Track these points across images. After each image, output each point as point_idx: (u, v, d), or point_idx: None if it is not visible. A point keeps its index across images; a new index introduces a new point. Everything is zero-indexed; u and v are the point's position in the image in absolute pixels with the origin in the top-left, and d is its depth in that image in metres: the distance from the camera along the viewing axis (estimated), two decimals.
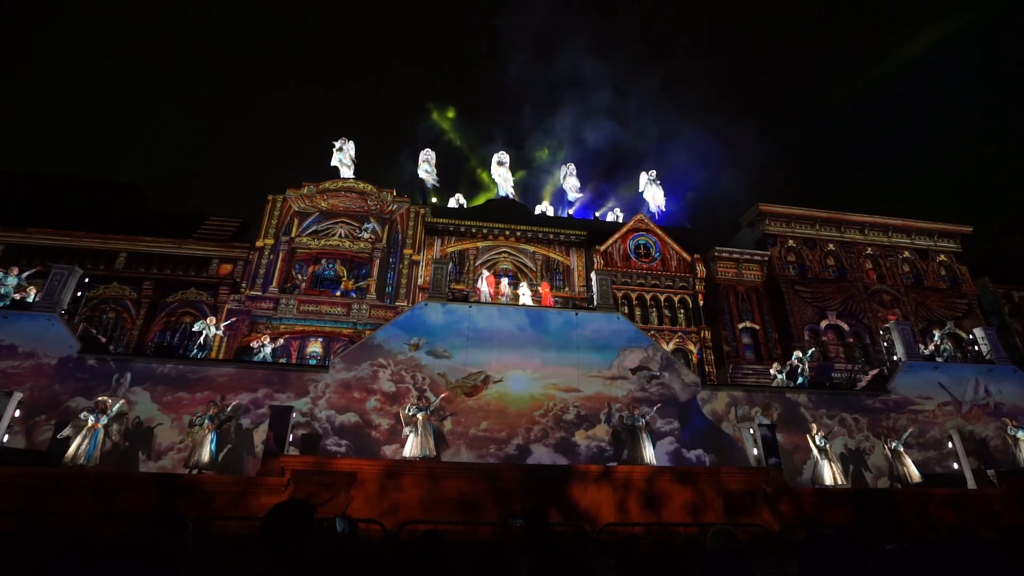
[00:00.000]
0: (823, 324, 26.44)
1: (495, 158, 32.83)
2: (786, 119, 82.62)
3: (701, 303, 26.68)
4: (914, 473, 14.16)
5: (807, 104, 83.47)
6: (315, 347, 23.29)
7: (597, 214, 33.99)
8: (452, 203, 31.66)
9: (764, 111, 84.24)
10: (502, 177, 32.11)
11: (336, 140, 29.46)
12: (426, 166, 32.23)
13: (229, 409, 13.17)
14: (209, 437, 12.36)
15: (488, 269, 25.66)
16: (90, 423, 12.04)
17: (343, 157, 29.00)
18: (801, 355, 17.96)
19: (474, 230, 27.61)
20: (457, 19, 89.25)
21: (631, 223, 28.76)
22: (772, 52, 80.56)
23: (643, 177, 33.77)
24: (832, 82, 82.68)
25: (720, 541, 2.76)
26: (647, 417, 14.28)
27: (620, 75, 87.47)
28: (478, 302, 16.94)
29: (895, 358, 18.20)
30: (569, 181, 34.47)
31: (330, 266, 25.37)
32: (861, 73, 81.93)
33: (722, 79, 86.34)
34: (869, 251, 29.27)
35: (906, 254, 29.55)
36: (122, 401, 12.93)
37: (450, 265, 24.19)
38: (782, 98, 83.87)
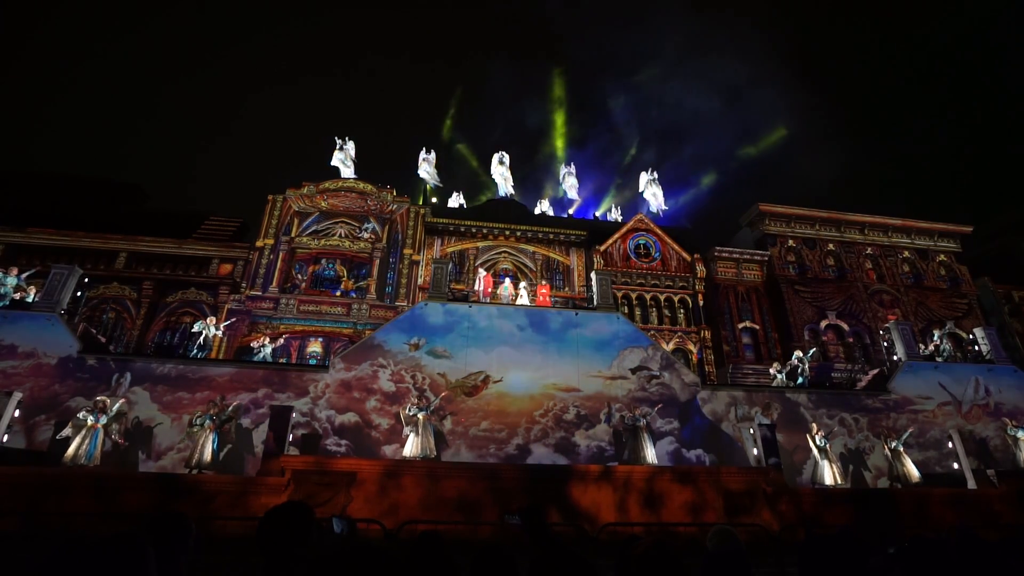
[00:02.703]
0: (823, 324, 26.44)
1: (495, 158, 32.72)
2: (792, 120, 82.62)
3: (701, 303, 26.68)
4: (914, 473, 14.16)
5: (810, 104, 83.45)
6: (315, 347, 23.29)
7: (597, 214, 33.98)
8: (452, 203, 31.65)
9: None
10: (502, 177, 32.07)
11: (338, 138, 29.49)
12: (426, 166, 32.18)
13: (230, 409, 13.16)
14: (210, 437, 12.36)
15: (488, 269, 25.66)
16: (89, 423, 12.03)
17: (343, 157, 28.97)
18: (801, 355, 17.96)
19: (474, 230, 27.61)
20: (472, 10, 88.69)
21: (631, 223, 28.77)
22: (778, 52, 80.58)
23: (643, 177, 33.67)
24: (831, 81, 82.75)
25: (720, 541, 2.77)
26: (648, 417, 14.28)
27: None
28: (478, 302, 16.94)
29: (895, 358, 18.20)
30: (568, 181, 34.41)
31: (330, 266, 25.37)
32: (858, 73, 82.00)
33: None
34: (869, 251, 29.28)
35: (906, 254, 29.56)
36: (121, 401, 12.92)
37: (450, 265, 24.17)
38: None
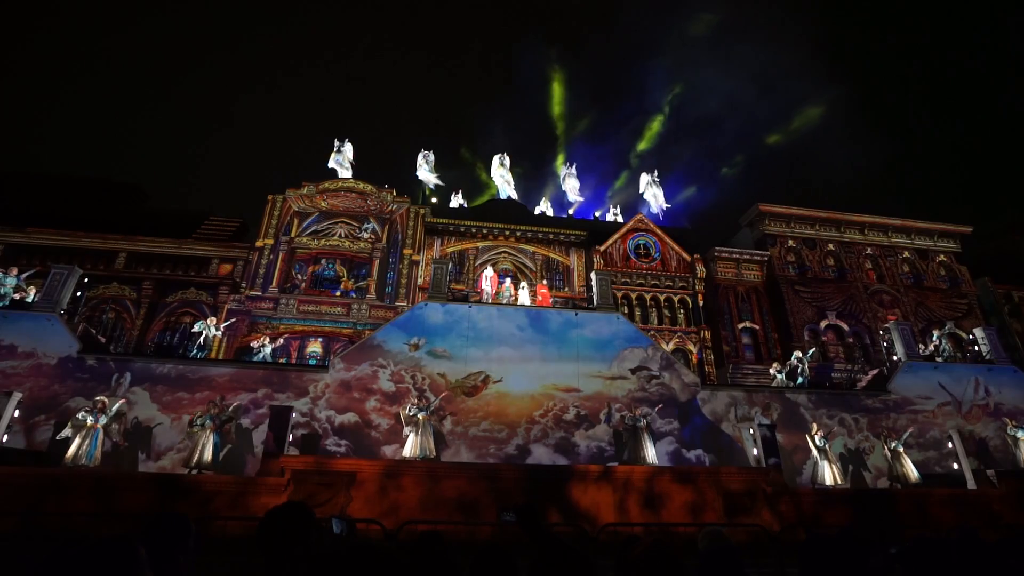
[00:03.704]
0: (823, 324, 26.44)
1: (496, 159, 32.72)
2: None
3: (701, 303, 26.68)
4: (913, 473, 14.13)
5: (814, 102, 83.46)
6: (315, 347, 23.28)
7: (597, 214, 33.97)
8: (452, 203, 31.63)
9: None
10: (503, 178, 32.07)
11: (336, 140, 29.49)
12: (425, 166, 32.17)
13: (230, 409, 13.15)
14: (210, 437, 12.34)
15: (490, 268, 25.66)
16: (89, 423, 12.02)
17: (341, 159, 28.96)
18: (801, 355, 17.95)
19: (474, 230, 27.61)
20: (476, 9, 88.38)
21: (631, 223, 28.77)
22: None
23: (643, 178, 33.68)
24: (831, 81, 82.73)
25: (711, 542, 2.79)
26: (648, 417, 14.28)
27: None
28: (478, 302, 16.93)
29: (895, 358, 18.19)
30: (569, 182, 34.38)
31: (330, 266, 25.36)
32: (860, 73, 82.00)
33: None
34: (869, 251, 29.28)
35: (906, 254, 29.56)
36: (121, 401, 12.90)
37: (450, 265, 24.19)
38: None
